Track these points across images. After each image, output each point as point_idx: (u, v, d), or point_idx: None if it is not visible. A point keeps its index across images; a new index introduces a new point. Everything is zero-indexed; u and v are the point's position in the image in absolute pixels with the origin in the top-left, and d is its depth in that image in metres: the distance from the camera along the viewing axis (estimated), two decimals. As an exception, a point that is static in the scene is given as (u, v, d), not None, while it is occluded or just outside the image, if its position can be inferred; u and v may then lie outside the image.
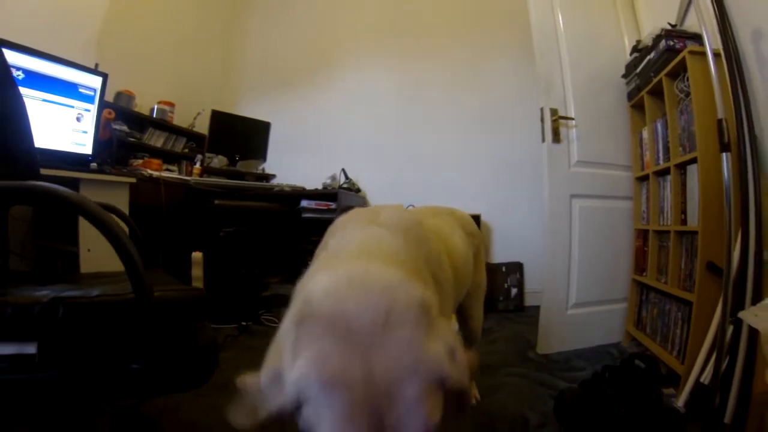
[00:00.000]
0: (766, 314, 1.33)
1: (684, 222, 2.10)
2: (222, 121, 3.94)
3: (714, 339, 1.67)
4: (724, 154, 1.60)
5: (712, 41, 1.89)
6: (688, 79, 2.04)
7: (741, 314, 1.47)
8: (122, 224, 1.55)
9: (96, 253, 1.96)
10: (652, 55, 2.36)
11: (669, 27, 2.28)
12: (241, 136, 4.09)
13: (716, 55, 1.83)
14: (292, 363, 0.61)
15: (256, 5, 4.90)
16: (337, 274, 0.68)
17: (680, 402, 1.80)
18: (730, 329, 1.65)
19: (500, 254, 3.80)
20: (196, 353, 0.98)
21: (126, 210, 2.12)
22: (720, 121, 1.61)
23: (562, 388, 1.90)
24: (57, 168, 1.92)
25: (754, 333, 1.54)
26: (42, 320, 0.81)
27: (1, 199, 0.95)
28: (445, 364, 0.61)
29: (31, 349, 0.81)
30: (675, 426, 1.63)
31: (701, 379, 1.75)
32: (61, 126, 2.32)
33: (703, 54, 1.82)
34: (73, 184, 1.90)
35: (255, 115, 4.27)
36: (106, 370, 0.86)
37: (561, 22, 2.66)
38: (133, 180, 2.28)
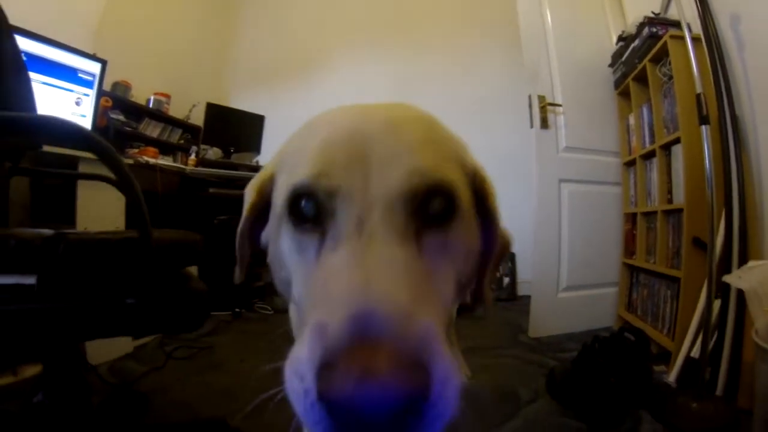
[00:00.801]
0: (749, 275, 1.38)
1: (670, 201, 2.17)
2: (217, 113, 3.97)
3: (702, 313, 1.71)
4: (703, 127, 1.65)
5: (692, 26, 1.96)
6: (670, 63, 2.12)
7: (726, 278, 1.52)
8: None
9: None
10: (636, 42, 2.44)
11: (652, 15, 2.35)
12: (235, 129, 4.10)
13: (696, 39, 1.89)
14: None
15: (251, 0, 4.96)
16: None
17: (671, 377, 1.84)
18: (717, 303, 1.69)
19: (493, 245, 3.83)
20: (188, 296, 1.00)
21: (123, 192, 2.15)
22: (698, 96, 1.67)
23: (552, 366, 1.94)
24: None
25: (741, 304, 1.59)
26: (43, 254, 0.85)
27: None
28: (472, 160, 0.53)
29: (30, 280, 0.83)
30: (665, 397, 1.66)
31: (691, 354, 1.79)
32: (61, 109, 2.35)
33: (683, 38, 1.88)
34: (73, 162, 1.92)
35: (249, 109, 4.29)
36: (101, 303, 0.89)
37: (548, 13, 2.73)
38: (130, 161, 2.31)
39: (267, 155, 4.35)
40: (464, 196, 0.47)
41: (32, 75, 2.16)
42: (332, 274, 0.39)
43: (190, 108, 4.02)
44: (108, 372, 1.88)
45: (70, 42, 2.51)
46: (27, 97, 1.40)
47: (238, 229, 0.60)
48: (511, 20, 2.90)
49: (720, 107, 1.82)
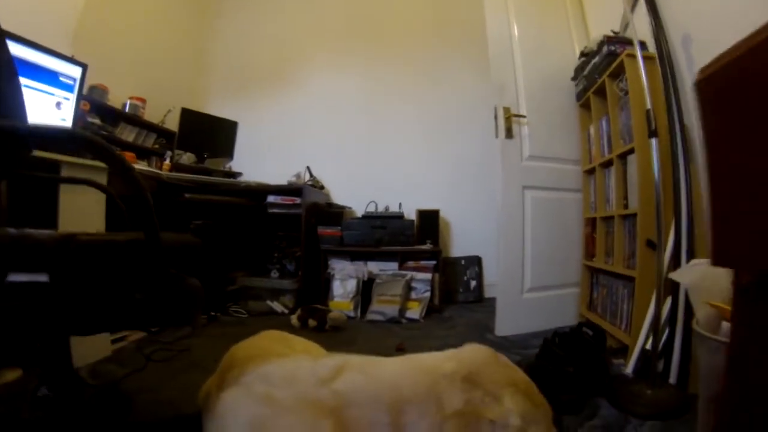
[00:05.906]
0: (692, 272, 1.54)
1: (626, 206, 2.33)
2: (191, 119, 4.02)
3: (654, 308, 1.86)
4: (652, 139, 1.82)
5: (648, 45, 2.15)
6: (626, 79, 2.29)
7: (671, 275, 1.68)
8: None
9: (76, 235, 2.00)
10: (596, 59, 2.60)
11: (612, 34, 2.53)
12: (209, 135, 4.16)
13: (650, 58, 2.07)
14: None
15: (227, 8, 4.99)
16: None
17: (629, 369, 1.97)
18: (668, 299, 1.86)
19: (459, 248, 4.00)
20: (188, 292, 1.07)
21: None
22: (648, 111, 1.84)
23: (518, 359, 2.07)
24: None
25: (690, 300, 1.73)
26: (56, 253, 0.90)
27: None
28: None
29: (42, 278, 0.89)
30: (622, 385, 1.80)
31: (646, 347, 1.94)
32: (42, 112, 2.35)
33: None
34: (55, 166, 1.93)
35: (223, 115, 4.35)
36: (112, 298, 0.95)
37: (515, 30, 2.89)
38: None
39: (239, 161, 4.41)
40: None
41: (15, 78, 2.20)
42: None
43: (165, 113, 4.02)
44: (89, 374, 1.91)
45: (46, 44, 2.50)
46: (19, 103, 1.44)
47: None
48: (478, 35, 3.03)
49: (671, 118, 2.00)
